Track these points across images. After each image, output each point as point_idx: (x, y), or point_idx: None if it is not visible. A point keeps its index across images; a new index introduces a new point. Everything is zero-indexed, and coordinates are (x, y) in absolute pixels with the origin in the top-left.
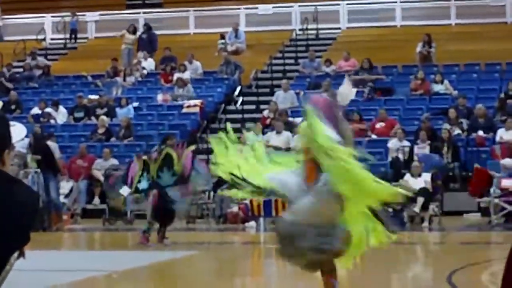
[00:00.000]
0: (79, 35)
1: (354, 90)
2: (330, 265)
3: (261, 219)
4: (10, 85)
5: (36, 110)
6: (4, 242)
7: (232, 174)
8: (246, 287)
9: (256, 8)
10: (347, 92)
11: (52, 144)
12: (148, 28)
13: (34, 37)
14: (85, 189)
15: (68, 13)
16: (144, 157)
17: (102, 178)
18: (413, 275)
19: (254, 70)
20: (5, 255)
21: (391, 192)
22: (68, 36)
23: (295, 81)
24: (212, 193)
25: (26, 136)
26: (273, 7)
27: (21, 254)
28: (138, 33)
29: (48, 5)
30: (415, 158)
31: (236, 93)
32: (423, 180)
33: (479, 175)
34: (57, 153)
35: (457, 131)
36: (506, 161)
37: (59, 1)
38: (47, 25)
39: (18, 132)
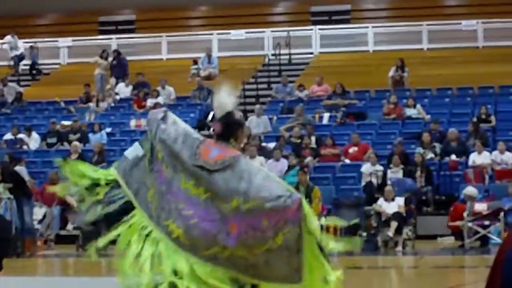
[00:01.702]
0: (51, 61)
1: (232, 99)
2: None
3: None
4: None
5: (8, 136)
6: None
7: None
8: None
9: (229, 33)
10: (224, 101)
11: (21, 169)
12: (118, 54)
13: (6, 63)
14: (59, 215)
15: (42, 39)
16: None
17: (75, 204)
18: None
19: None
20: None
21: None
22: (40, 61)
23: (268, 106)
24: None
25: None
26: (246, 32)
27: None
28: (110, 59)
29: (21, 31)
30: (388, 182)
31: (210, 118)
32: (397, 204)
33: (457, 210)
34: (25, 177)
35: (430, 155)
36: (469, 190)
37: (33, 26)
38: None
39: None
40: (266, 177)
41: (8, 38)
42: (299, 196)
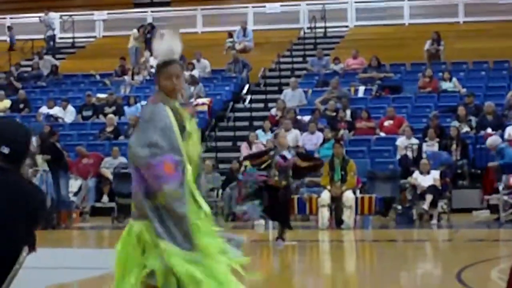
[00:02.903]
0: (86, 34)
1: (177, 42)
2: None
3: None
4: (18, 85)
5: (44, 109)
6: (14, 238)
7: None
8: (254, 285)
9: (264, 6)
10: (169, 45)
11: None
12: (152, 27)
13: (42, 36)
14: (94, 187)
15: (78, 12)
16: None
17: (111, 177)
18: (422, 272)
19: (262, 69)
20: (14, 253)
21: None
22: (76, 35)
23: (303, 79)
24: (220, 191)
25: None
26: (281, 5)
27: (32, 249)
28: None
29: (56, 4)
30: (424, 155)
31: (244, 91)
32: (432, 178)
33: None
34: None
35: (465, 128)
36: (490, 140)
37: (67, 0)
38: (55, 24)
39: None
40: (152, 128)
41: (42, 16)
42: (168, 158)
